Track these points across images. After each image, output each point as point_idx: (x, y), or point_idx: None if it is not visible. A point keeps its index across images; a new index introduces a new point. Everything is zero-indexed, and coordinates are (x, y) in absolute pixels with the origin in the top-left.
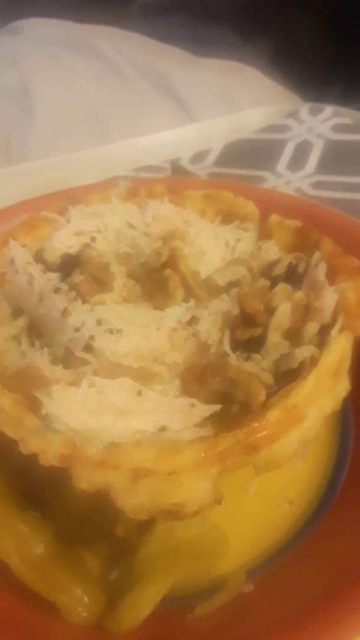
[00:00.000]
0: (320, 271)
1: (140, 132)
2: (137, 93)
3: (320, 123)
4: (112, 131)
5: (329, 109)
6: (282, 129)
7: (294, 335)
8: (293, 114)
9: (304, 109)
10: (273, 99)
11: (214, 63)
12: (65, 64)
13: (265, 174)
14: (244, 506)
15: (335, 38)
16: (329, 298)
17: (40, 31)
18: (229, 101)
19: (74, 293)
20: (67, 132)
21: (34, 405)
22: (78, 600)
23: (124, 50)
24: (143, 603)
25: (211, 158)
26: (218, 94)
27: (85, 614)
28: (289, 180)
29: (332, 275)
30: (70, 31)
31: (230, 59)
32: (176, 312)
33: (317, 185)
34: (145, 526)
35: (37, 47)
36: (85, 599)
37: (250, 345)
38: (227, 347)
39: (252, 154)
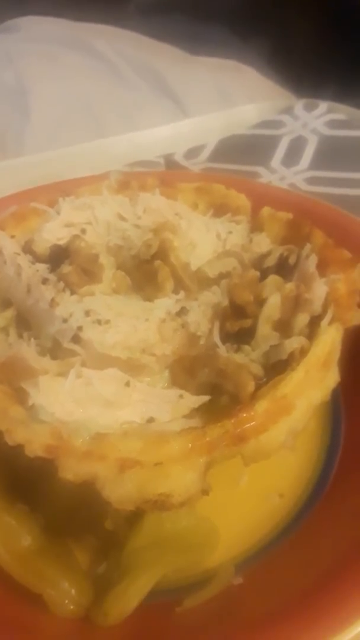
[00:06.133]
0: (311, 263)
1: (135, 130)
2: (133, 91)
3: (315, 119)
4: (108, 130)
5: (323, 105)
6: (277, 124)
7: (284, 327)
8: (287, 110)
9: (299, 104)
10: (269, 98)
11: (210, 61)
12: (61, 62)
13: (260, 170)
14: (234, 499)
15: (330, 35)
16: (319, 289)
17: (37, 29)
18: (225, 100)
19: (62, 284)
20: (62, 130)
21: (20, 397)
22: (65, 593)
23: (120, 49)
24: (130, 596)
25: (205, 153)
26: (214, 93)
27: (72, 607)
28: (283, 176)
29: (323, 267)
30: (66, 29)
31: (226, 58)
32: (165, 304)
33: (311, 180)
34: (134, 519)
35: (34, 45)
36: (72, 591)
37: (240, 336)
38: (216, 338)
39: (246, 149)
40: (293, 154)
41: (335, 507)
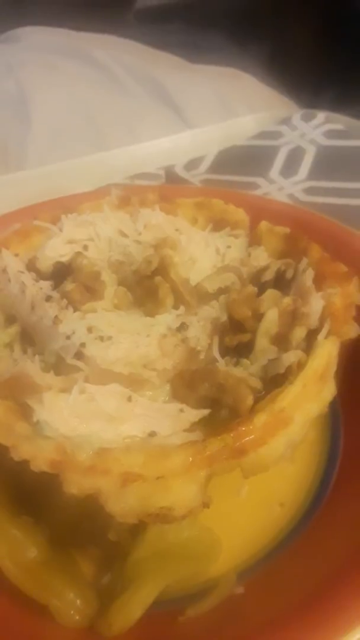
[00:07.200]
0: (308, 277)
1: (137, 140)
2: (134, 100)
3: (313, 129)
4: (109, 139)
5: (321, 115)
6: (275, 135)
7: (281, 341)
8: (286, 121)
9: (297, 115)
10: (268, 105)
11: (210, 70)
12: (62, 71)
13: (259, 180)
14: (236, 509)
15: (328, 45)
16: (315, 303)
17: (37, 39)
18: (225, 108)
19: (65, 301)
20: (64, 140)
21: (25, 412)
22: (70, 604)
23: (120, 58)
24: (134, 606)
25: (205, 165)
26: (214, 101)
27: (77, 617)
28: (281, 187)
29: (320, 281)
30: (66, 39)
31: (225, 66)
32: (166, 319)
33: (310, 191)
34: (137, 530)
35: (34, 55)
36: (78, 602)
37: (239, 350)
38: (216, 352)
39: (245, 160)
40: (291, 165)
41: (335, 515)
